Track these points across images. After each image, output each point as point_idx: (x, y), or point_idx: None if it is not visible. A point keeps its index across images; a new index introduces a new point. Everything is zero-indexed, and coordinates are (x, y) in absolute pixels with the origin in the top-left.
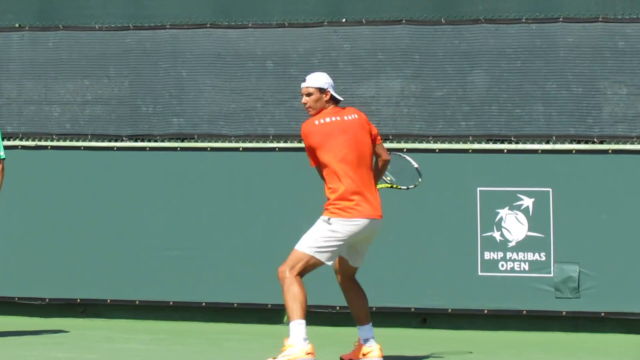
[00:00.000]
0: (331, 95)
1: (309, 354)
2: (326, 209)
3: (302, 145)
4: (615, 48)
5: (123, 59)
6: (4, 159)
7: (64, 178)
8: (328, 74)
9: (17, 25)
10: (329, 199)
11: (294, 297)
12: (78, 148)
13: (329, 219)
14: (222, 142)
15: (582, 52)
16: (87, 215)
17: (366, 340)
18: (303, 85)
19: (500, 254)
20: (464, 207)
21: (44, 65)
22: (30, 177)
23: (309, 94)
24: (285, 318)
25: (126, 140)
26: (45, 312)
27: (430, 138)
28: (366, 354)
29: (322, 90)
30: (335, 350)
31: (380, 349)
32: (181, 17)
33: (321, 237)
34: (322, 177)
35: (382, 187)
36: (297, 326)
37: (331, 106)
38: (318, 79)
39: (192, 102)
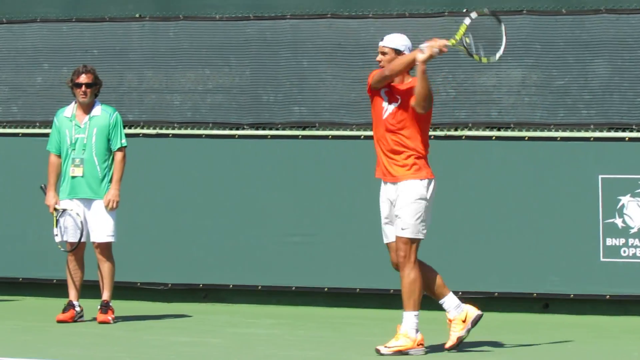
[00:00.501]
0: None
1: (420, 344)
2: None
3: None
4: None
5: (244, 49)
6: (125, 146)
7: (185, 166)
8: (449, 63)
9: (137, 15)
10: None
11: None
12: (199, 136)
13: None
14: (343, 130)
15: None
16: (209, 202)
17: (458, 307)
18: (380, 43)
19: (622, 240)
20: (585, 195)
21: (164, 54)
22: (151, 165)
23: (383, 53)
24: None
25: (247, 129)
26: (167, 297)
27: (552, 126)
28: (465, 319)
29: (397, 52)
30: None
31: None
32: (301, 7)
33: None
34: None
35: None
36: (413, 317)
37: None
38: (395, 40)
39: (313, 91)
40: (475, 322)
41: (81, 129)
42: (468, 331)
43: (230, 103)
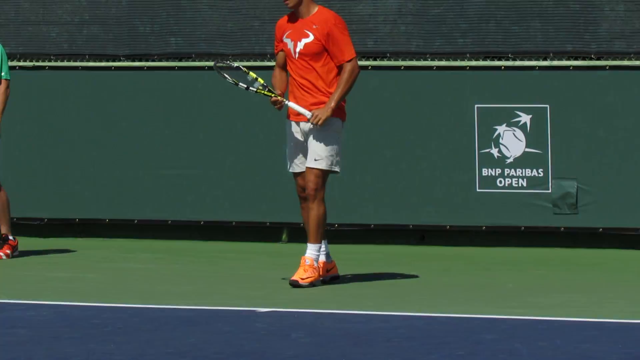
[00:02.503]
0: None
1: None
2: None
3: None
4: None
5: None
6: (8, 79)
7: (62, 98)
8: None
9: None
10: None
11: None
12: (76, 68)
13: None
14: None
15: None
16: (85, 135)
17: (328, 256)
18: None
19: (498, 171)
20: (461, 124)
21: None
22: (27, 98)
23: None
24: (284, 236)
25: (124, 60)
26: (43, 232)
27: (428, 56)
28: (330, 269)
29: None
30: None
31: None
32: None
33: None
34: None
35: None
36: (319, 248)
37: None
38: None
39: (189, 21)
40: (332, 278)
41: None
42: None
43: (107, 34)
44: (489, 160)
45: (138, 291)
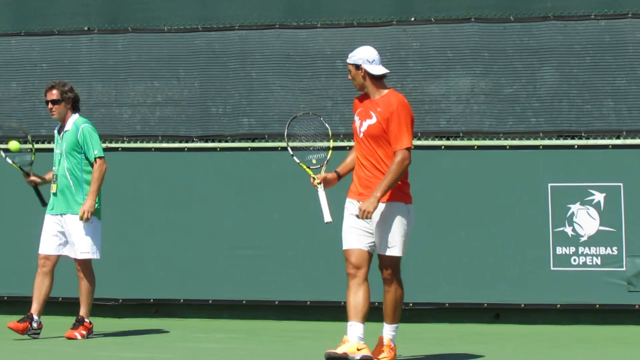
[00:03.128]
0: (365, 70)
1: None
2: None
3: None
4: None
5: (192, 61)
6: (101, 157)
7: (135, 179)
8: (397, 72)
9: (86, 28)
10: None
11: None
12: (149, 149)
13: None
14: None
15: None
16: (159, 215)
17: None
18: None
19: (573, 249)
20: (535, 203)
21: (113, 67)
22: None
23: (349, 71)
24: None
25: (197, 141)
26: (118, 313)
27: (501, 135)
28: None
29: (357, 67)
30: None
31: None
32: (250, 18)
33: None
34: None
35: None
36: (395, 329)
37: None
38: (354, 55)
39: (262, 102)
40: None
41: (59, 144)
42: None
43: (180, 116)
44: (563, 239)
45: None
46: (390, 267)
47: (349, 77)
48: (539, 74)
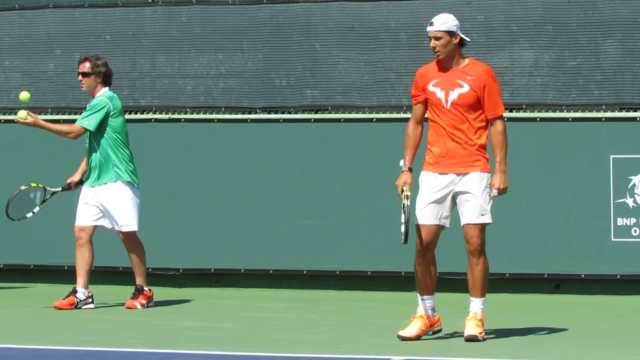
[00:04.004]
0: (461, 37)
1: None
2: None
3: None
4: None
5: (256, 33)
6: (83, 127)
7: (198, 150)
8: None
9: (150, 0)
10: (484, 148)
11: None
12: (211, 120)
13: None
14: (355, 113)
15: None
16: (221, 186)
17: (433, 310)
18: (430, 28)
19: (633, 220)
20: (597, 175)
21: (177, 39)
22: (164, 150)
23: (437, 38)
24: None
25: (260, 113)
26: (179, 282)
27: (564, 107)
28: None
29: (451, 34)
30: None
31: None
32: None
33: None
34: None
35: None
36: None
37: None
38: (448, 21)
39: (325, 74)
40: (434, 332)
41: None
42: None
43: (243, 87)
44: (624, 210)
45: (273, 340)
46: (478, 236)
47: (436, 44)
48: (602, 47)
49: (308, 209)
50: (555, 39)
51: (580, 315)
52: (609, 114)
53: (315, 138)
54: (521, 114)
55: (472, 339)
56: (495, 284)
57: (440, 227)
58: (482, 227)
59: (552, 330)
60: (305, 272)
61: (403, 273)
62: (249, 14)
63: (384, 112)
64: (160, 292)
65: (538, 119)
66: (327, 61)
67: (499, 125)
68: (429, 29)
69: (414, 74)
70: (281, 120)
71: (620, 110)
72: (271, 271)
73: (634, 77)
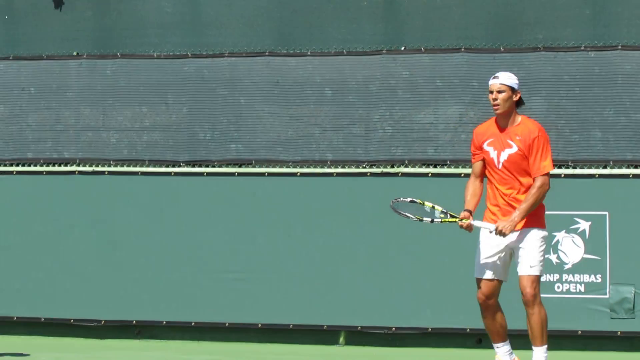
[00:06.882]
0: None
1: None
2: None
3: (358, 170)
4: None
5: (181, 87)
6: None
7: (121, 203)
8: (386, 101)
9: (75, 53)
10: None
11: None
12: (135, 173)
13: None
14: (279, 167)
15: None
16: (144, 238)
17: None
18: (495, 81)
19: (557, 276)
20: None
21: (101, 92)
22: (87, 202)
23: (500, 92)
24: (342, 340)
25: (184, 166)
26: (101, 334)
27: None
28: None
29: (513, 90)
30: None
31: None
32: (240, 45)
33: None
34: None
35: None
36: (546, 350)
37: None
38: (511, 78)
39: (250, 128)
40: None
41: None
42: None
43: (167, 141)
44: (547, 266)
45: None
46: (530, 287)
47: (498, 97)
48: (528, 104)
49: (231, 262)
50: (481, 95)
51: None
52: None
53: (239, 192)
54: (445, 170)
55: None
56: (417, 338)
57: (498, 282)
58: (535, 277)
59: None
60: (227, 324)
61: (325, 326)
62: (174, 67)
63: (308, 167)
64: (82, 344)
65: (462, 175)
66: (251, 115)
67: (537, 180)
68: (492, 81)
69: (338, 129)
70: (205, 174)
71: None
72: (193, 323)
73: (558, 134)
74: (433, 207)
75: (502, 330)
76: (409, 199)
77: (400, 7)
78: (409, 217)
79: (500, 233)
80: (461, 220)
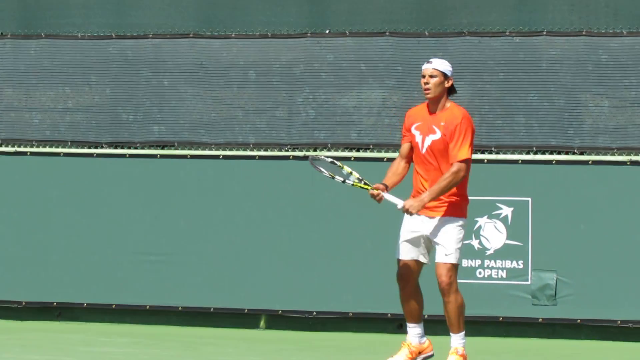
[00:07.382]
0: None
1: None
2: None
3: (281, 154)
4: (597, 61)
5: (105, 68)
6: None
7: (43, 184)
8: (310, 84)
9: None
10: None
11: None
12: (57, 154)
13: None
14: (202, 149)
15: (564, 65)
16: (66, 220)
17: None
18: (428, 65)
19: (478, 262)
20: None
21: (25, 72)
22: (8, 183)
23: (432, 76)
24: (262, 323)
25: (106, 147)
26: (21, 315)
27: None
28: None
29: (446, 76)
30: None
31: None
32: (164, 26)
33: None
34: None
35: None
36: (463, 336)
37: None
38: (445, 64)
39: (173, 110)
40: (424, 358)
41: None
42: None
43: (90, 122)
44: (469, 252)
45: None
46: (445, 275)
47: (427, 83)
48: None
49: (152, 244)
50: (405, 79)
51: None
52: None
53: (161, 174)
54: (368, 154)
55: None
56: (338, 322)
57: (415, 263)
58: (450, 266)
59: None
60: (148, 307)
61: (246, 310)
62: (98, 48)
63: (230, 149)
64: (2, 325)
65: (385, 159)
66: (175, 97)
67: (454, 166)
68: (425, 66)
69: (261, 112)
70: (127, 156)
71: None
72: (114, 306)
73: (481, 119)
74: (351, 172)
75: (415, 312)
76: (329, 159)
77: None
78: (322, 172)
79: (407, 211)
80: (372, 189)
